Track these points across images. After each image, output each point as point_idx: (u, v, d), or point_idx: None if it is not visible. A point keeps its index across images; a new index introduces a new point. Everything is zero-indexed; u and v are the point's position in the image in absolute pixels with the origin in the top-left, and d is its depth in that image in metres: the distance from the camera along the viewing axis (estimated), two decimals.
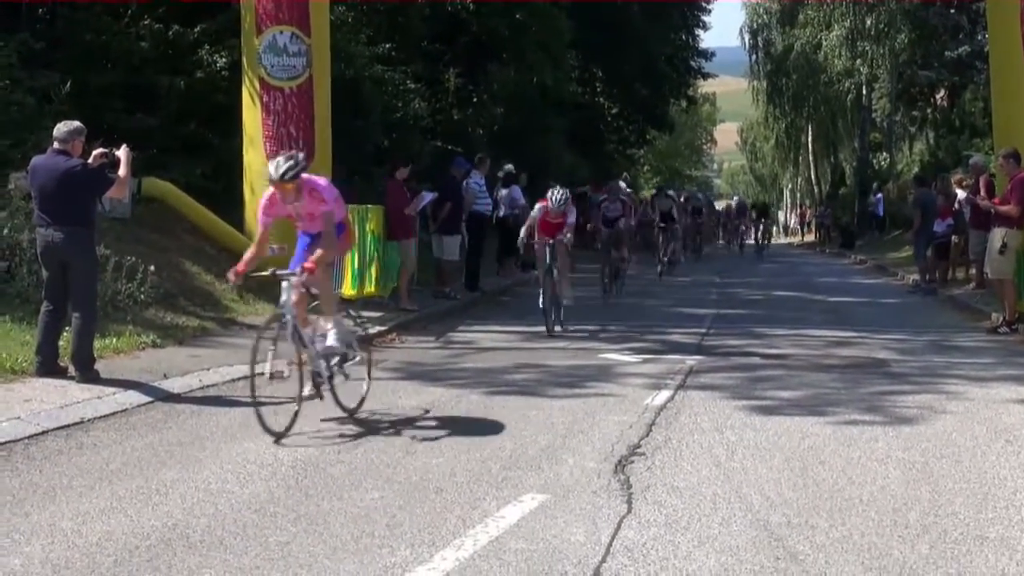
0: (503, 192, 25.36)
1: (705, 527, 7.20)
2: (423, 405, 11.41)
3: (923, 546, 6.82)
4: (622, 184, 30.83)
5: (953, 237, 25.18)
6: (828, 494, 7.99)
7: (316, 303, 10.76)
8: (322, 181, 11.02)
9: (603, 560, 6.56)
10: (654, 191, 31.61)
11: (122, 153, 11.89)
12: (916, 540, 6.93)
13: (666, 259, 30.85)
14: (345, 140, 21.18)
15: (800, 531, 7.10)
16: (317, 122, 19.42)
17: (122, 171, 11.85)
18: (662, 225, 31.29)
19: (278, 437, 9.67)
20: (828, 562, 6.53)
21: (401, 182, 19.61)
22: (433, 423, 10.61)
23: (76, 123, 11.90)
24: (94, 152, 11.86)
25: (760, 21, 61.96)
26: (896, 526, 7.21)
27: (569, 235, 17.48)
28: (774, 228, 67.43)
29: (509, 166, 26.25)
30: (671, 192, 34.65)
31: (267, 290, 18.20)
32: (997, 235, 17.65)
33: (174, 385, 12.05)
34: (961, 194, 23.15)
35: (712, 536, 7.01)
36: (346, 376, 10.84)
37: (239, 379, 12.74)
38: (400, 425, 10.49)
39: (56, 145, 11.67)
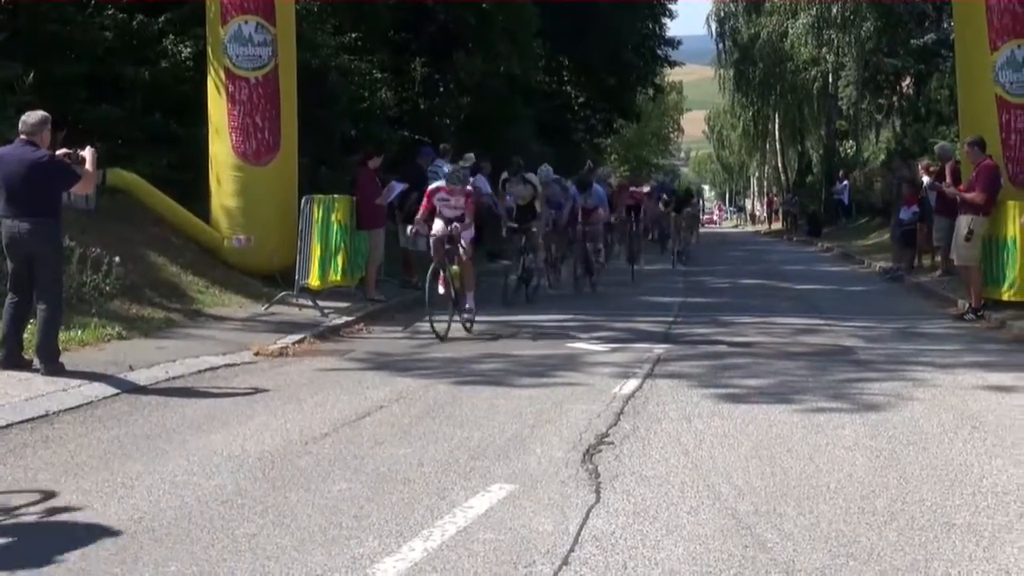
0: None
1: (673, 516, 7.19)
2: (391, 395, 11.38)
3: (891, 533, 6.83)
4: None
5: (918, 224, 25.30)
6: (796, 482, 8.00)
7: None
8: None
9: (571, 549, 6.55)
10: (505, 175, 23.47)
11: (87, 154, 11.81)
12: (884, 527, 6.94)
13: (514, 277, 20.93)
14: (311, 130, 21.11)
15: (768, 519, 7.10)
16: (283, 112, 19.36)
17: (88, 166, 11.78)
18: (513, 225, 21.23)
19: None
20: (796, 550, 6.53)
21: (373, 171, 19.56)
22: (400, 413, 10.58)
23: (42, 113, 11.80)
24: (58, 152, 11.76)
25: (727, 9, 62.02)
26: (864, 513, 7.23)
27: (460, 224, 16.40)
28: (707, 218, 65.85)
29: (470, 155, 26.19)
30: (530, 176, 22.31)
31: (233, 282, 18.21)
32: (963, 222, 17.77)
33: (140, 377, 11.98)
34: (927, 180, 23.25)
35: (680, 525, 7.01)
36: None
37: (205, 370, 12.75)
38: (366, 416, 10.46)
39: (23, 136, 11.58)
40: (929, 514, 7.21)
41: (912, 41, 48.90)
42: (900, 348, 14.98)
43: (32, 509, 7.35)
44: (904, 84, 53.58)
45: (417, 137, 28.44)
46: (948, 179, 20.94)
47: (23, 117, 11.75)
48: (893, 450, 9.00)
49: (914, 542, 6.66)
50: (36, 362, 11.59)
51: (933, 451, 8.97)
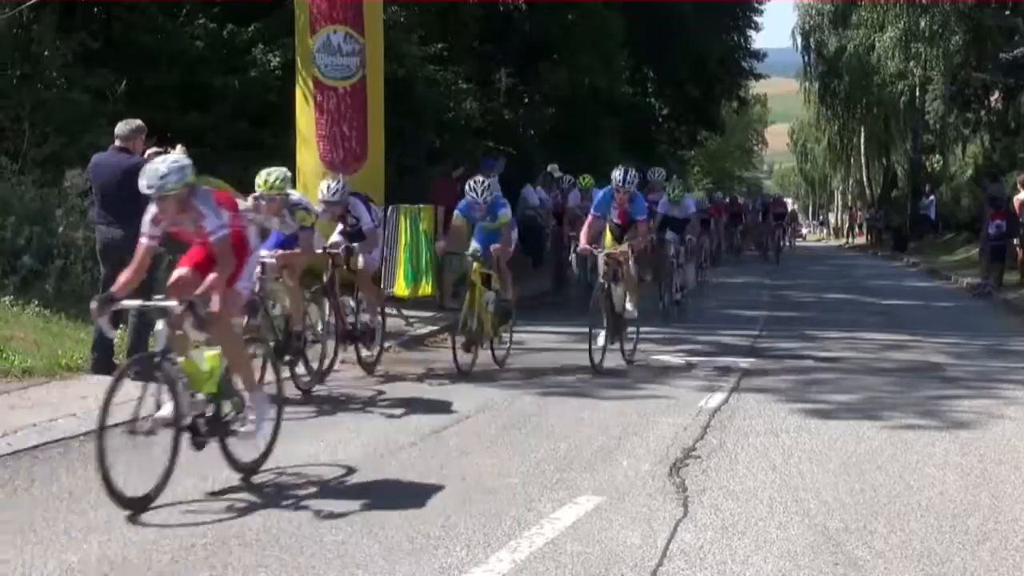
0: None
1: (762, 531, 7.14)
2: (476, 406, 11.39)
3: (984, 553, 6.74)
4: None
5: (1015, 240, 24.92)
6: (886, 499, 7.91)
7: None
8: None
9: (660, 563, 6.52)
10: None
11: (178, 152, 11.91)
12: (976, 547, 6.86)
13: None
14: (397, 140, 21.18)
15: (859, 536, 7.03)
16: (370, 122, 19.42)
17: None
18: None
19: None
20: (888, 568, 6.46)
21: (455, 182, 19.62)
22: (486, 424, 10.58)
23: (137, 121, 11.97)
24: (148, 151, 11.89)
25: (812, 22, 61.50)
26: (956, 532, 7.14)
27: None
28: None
29: (554, 165, 26.10)
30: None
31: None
32: None
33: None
34: (1020, 196, 22.95)
35: (769, 540, 6.96)
36: None
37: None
38: (452, 426, 10.47)
39: (118, 143, 11.75)
40: (1023, 534, 7.10)
41: (1001, 55, 48.24)
42: (989, 365, 14.79)
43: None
44: (992, 98, 52.89)
45: (502, 148, 28.43)
46: None
47: (119, 125, 11.91)
48: (984, 469, 8.89)
49: (1008, 563, 6.57)
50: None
51: None
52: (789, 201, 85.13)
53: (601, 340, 14.06)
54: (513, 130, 31.84)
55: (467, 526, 7.19)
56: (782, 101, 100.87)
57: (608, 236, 15.54)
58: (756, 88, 67.09)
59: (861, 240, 67.63)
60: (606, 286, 14.27)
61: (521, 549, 6.76)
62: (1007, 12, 48.03)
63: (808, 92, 64.25)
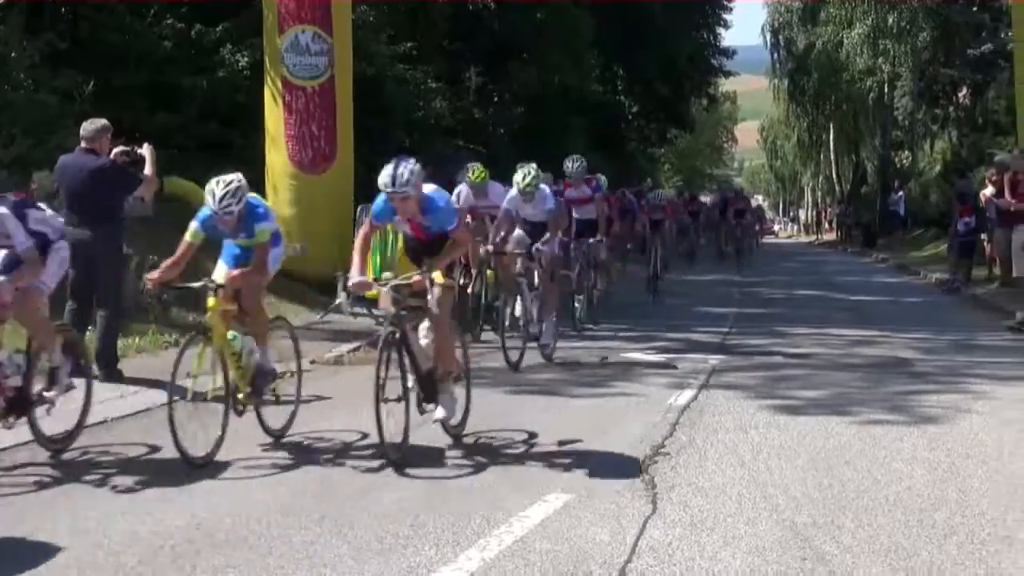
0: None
1: (731, 527, 7.17)
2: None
3: (951, 547, 6.78)
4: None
5: (982, 236, 25.04)
6: (854, 494, 7.95)
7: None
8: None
9: (629, 560, 6.54)
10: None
11: (146, 151, 11.89)
12: (943, 541, 6.89)
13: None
14: (366, 139, 21.17)
15: (827, 531, 7.06)
16: (339, 121, 19.43)
17: (148, 170, 11.86)
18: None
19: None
20: (855, 563, 6.49)
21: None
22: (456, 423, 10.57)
23: (103, 121, 11.91)
24: (115, 151, 11.86)
25: (782, 19, 61.65)
26: (923, 526, 7.17)
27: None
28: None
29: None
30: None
31: (288, 290, 18.23)
32: (1020, 232, 17.67)
33: (197, 384, 12.01)
34: (987, 192, 23.06)
35: (738, 536, 6.98)
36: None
37: None
38: (422, 426, 10.46)
39: (83, 144, 11.69)
40: (989, 528, 7.14)
41: (969, 51, 48.48)
42: (957, 360, 14.85)
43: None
44: (961, 94, 53.13)
45: (472, 147, 28.44)
46: (1007, 190, 20.75)
47: (84, 125, 11.86)
48: (952, 463, 8.93)
49: (974, 557, 6.61)
50: (95, 368, 11.66)
51: (992, 464, 8.89)
52: (759, 198, 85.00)
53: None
54: (483, 129, 31.88)
55: (436, 525, 7.19)
56: (752, 98, 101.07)
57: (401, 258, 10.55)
58: (726, 85, 67.31)
59: (831, 236, 67.83)
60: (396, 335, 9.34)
61: (490, 547, 6.77)
62: (974, 8, 48.27)
63: (778, 89, 64.41)
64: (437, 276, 9.42)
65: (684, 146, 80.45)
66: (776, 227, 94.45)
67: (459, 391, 9.87)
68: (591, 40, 36.25)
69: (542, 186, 14.55)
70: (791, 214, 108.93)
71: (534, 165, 14.73)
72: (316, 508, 7.60)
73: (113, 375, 11.59)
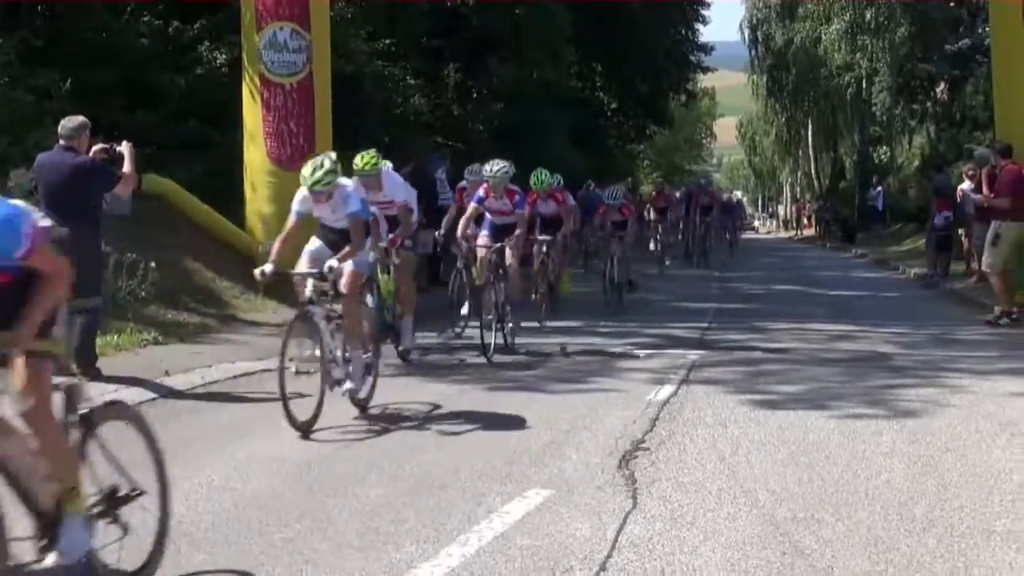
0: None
1: (711, 522, 7.18)
2: (426, 401, 11.38)
3: (930, 539, 6.80)
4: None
5: (960, 230, 25.12)
6: (833, 488, 7.96)
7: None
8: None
9: (609, 555, 6.54)
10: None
11: (125, 149, 11.85)
12: (923, 534, 6.91)
13: None
14: (345, 136, 21.14)
15: (806, 525, 7.08)
16: (318, 118, 19.40)
17: (127, 167, 11.82)
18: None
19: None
20: (835, 556, 6.50)
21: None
22: (437, 419, 10.58)
23: (80, 118, 11.86)
24: (94, 148, 11.82)
25: (760, 15, 61.79)
26: (902, 520, 7.19)
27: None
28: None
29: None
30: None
31: (267, 287, 18.19)
32: (992, 227, 17.76)
33: (176, 382, 12.02)
34: (964, 186, 23.15)
35: (718, 531, 6.99)
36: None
37: (241, 376, 12.77)
38: (403, 421, 10.47)
39: (62, 142, 11.65)
40: (968, 520, 7.17)
41: (947, 46, 48.68)
42: (936, 354, 14.89)
43: None
44: (939, 89, 53.30)
45: (451, 143, 28.44)
46: (984, 185, 20.83)
47: (62, 122, 11.81)
48: (931, 456, 8.96)
49: (953, 549, 6.63)
50: (73, 367, 11.61)
51: (971, 458, 8.92)
52: (738, 193, 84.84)
53: None
54: (462, 125, 31.86)
55: (417, 521, 7.19)
56: (730, 94, 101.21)
57: None
58: (704, 81, 67.24)
59: (810, 232, 68.00)
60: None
61: (471, 543, 6.77)
62: (951, 4, 48.43)
63: (756, 85, 64.59)
64: None
65: (663, 142, 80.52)
66: (755, 223, 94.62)
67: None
68: (569, 36, 36.23)
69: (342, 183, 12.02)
70: (770, 210, 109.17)
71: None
72: (296, 504, 7.59)
73: (92, 373, 11.53)
